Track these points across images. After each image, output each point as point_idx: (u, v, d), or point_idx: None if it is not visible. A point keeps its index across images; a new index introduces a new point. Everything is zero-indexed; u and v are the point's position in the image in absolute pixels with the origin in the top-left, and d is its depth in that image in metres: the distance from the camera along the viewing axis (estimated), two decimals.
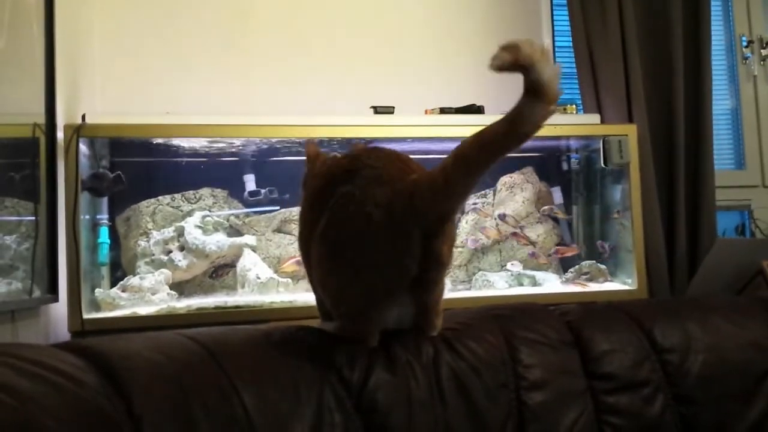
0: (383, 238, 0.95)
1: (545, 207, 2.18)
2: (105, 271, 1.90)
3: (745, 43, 2.63)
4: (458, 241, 2.14)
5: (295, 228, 2.03)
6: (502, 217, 2.13)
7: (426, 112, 2.02)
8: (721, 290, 1.97)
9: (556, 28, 2.50)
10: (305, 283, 1.98)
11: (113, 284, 1.86)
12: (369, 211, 0.94)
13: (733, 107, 2.66)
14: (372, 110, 1.95)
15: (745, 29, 2.64)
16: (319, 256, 1.01)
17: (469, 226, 2.15)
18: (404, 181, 0.96)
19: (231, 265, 1.96)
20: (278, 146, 1.96)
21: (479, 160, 0.93)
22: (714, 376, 1.25)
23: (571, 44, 2.24)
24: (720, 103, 2.61)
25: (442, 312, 1.09)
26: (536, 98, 0.88)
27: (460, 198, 0.97)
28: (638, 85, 2.17)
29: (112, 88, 2.15)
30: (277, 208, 2.04)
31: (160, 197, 1.98)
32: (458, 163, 0.93)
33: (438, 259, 0.97)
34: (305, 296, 1.87)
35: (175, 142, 1.88)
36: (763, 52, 2.62)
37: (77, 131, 1.66)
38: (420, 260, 0.95)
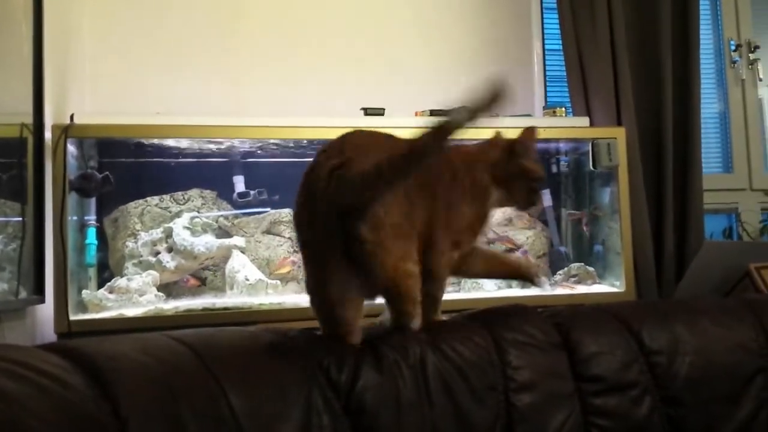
0: (314, 224, 1.01)
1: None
2: (92, 272, 1.89)
3: (733, 47, 2.65)
4: None
5: (284, 229, 2.03)
6: None
7: (416, 114, 2.03)
8: (709, 292, 1.98)
9: (546, 31, 2.51)
10: (295, 285, 1.98)
11: (100, 285, 1.85)
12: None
13: (721, 111, 2.68)
14: (362, 112, 1.95)
15: (733, 33, 2.66)
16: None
17: None
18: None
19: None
20: (268, 147, 1.95)
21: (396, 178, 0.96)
22: (702, 378, 1.25)
23: (560, 48, 2.24)
24: (708, 106, 2.63)
25: (416, 302, 1.06)
26: None
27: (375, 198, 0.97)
28: (627, 89, 2.18)
29: (102, 88, 2.14)
30: (267, 209, 2.04)
31: (148, 198, 1.97)
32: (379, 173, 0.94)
33: (358, 239, 0.97)
34: (294, 298, 1.87)
35: (164, 142, 1.87)
36: (752, 56, 2.64)
37: (65, 131, 1.65)
38: (343, 243, 0.97)
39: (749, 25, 2.67)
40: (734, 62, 2.65)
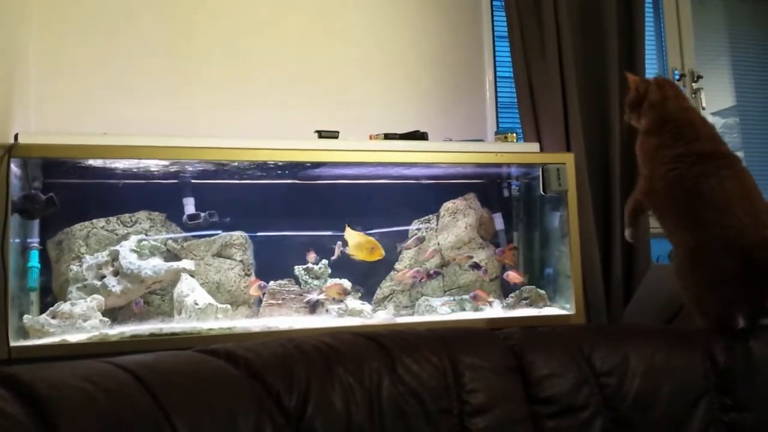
0: None
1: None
2: (34, 296, 1.82)
3: (677, 77, 2.75)
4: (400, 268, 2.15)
5: (236, 252, 1.99)
6: (420, 240, 2.15)
7: (370, 137, 2.03)
8: (657, 314, 2.02)
9: (497, 59, 2.56)
10: (246, 309, 1.95)
11: (43, 310, 1.78)
12: None
13: None
14: (316, 134, 1.95)
15: (677, 63, 2.76)
16: None
17: (413, 251, 2.16)
18: None
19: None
20: (220, 169, 1.93)
21: None
22: (650, 399, 1.27)
23: (512, 75, 2.29)
24: None
25: None
26: None
27: None
28: (576, 116, 2.23)
29: (48, 109, 2.08)
30: (218, 232, 2.00)
31: (94, 220, 1.91)
32: None
33: None
34: (244, 323, 1.84)
35: (112, 163, 1.83)
36: (695, 85, 2.74)
37: (9, 151, 1.60)
38: None
39: (692, 56, 2.77)
40: None
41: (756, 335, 1.43)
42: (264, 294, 1.97)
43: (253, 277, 1.99)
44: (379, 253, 2.02)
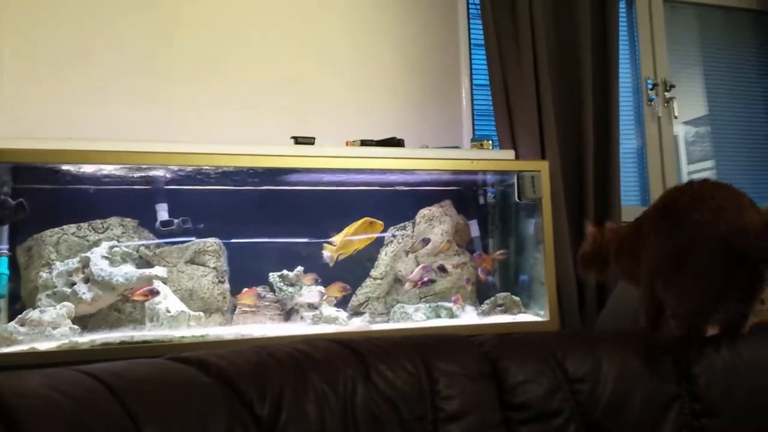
0: None
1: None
2: (2, 303, 1.78)
3: (650, 86, 2.79)
4: (378, 273, 2.14)
5: (209, 259, 1.97)
6: (426, 241, 2.15)
7: (347, 143, 2.03)
8: (630, 320, 2.04)
9: (474, 66, 2.57)
10: (219, 317, 1.93)
11: (11, 318, 1.75)
12: None
13: (639, 146, 2.80)
14: (292, 140, 1.94)
15: (650, 72, 2.80)
16: None
17: (388, 258, 2.15)
18: None
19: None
20: (194, 175, 1.91)
21: None
22: (622, 405, 1.28)
23: (488, 83, 2.30)
24: (627, 142, 2.75)
25: None
26: None
27: None
28: (551, 124, 2.25)
29: (20, 112, 2.05)
30: (192, 238, 1.98)
31: (65, 226, 1.88)
32: None
33: None
34: (217, 330, 1.82)
35: (83, 168, 1.80)
36: (667, 94, 2.78)
37: None
38: None
39: (665, 65, 2.81)
40: (651, 100, 2.77)
41: (726, 341, 1.45)
42: (263, 303, 1.96)
43: (246, 288, 1.98)
44: (380, 224, 2.02)
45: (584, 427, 1.23)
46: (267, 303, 1.98)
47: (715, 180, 1.52)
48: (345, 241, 2.01)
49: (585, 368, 1.29)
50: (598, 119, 2.37)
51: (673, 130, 2.82)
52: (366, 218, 2.01)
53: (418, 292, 2.16)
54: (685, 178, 2.93)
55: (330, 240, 2.03)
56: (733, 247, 1.34)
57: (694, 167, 2.98)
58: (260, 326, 1.92)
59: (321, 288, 2.01)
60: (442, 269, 2.16)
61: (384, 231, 2.13)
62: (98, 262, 1.81)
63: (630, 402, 1.28)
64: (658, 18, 2.84)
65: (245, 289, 1.97)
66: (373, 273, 2.14)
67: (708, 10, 3.07)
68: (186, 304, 1.86)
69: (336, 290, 2.02)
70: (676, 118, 2.79)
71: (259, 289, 2.00)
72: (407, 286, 2.13)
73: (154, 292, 1.81)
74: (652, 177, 2.75)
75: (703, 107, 3.02)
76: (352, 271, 2.08)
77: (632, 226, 1.63)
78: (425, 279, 2.11)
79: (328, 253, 2.03)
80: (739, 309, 1.45)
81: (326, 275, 2.04)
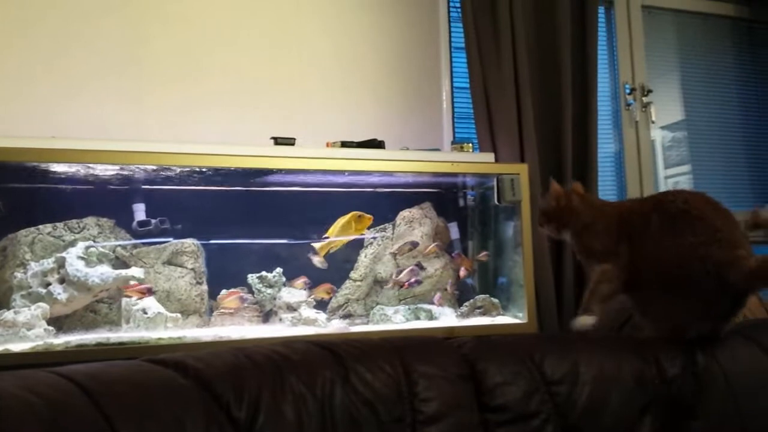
0: None
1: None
2: None
3: (628, 91, 2.82)
4: (358, 275, 2.14)
5: (187, 260, 1.96)
6: (415, 244, 2.15)
7: (327, 144, 2.02)
8: (608, 324, 2.05)
9: (454, 69, 2.58)
10: (196, 318, 1.91)
11: None
12: None
13: (616, 150, 2.83)
14: (272, 141, 1.93)
15: (628, 77, 2.83)
16: None
17: (368, 260, 2.15)
18: None
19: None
20: (172, 175, 1.89)
21: None
22: (600, 407, 1.29)
23: (468, 86, 2.31)
24: (605, 146, 2.77)
25: None
26: None
27: None
28: (530, 128, 2.27)
29: None
30: (169, 239, 1.96)
31: (40, 226, 1.85)
32: None
33: None
34: (195, 332, 1.80)
35: (59, 167, 1.78)
36: (645, 99, 2.81)
37: None
38: None
39: (643, 71, 2.85)
40: (629, 105, 2.81)
41: (704, 345, 1.47)
42: (245, 306, 1.95)
43: (229, 289, 1.96)
44: (369, 218, 2.02)
45: (562, 429, 1.23)
46: (245, 305, 1.96)
47: (708, 196, 1.52)
48: (340, 227, 2.00)
49: (563, 370, 1.30)
50: (576, 123, 2.39)
51: (651, 135, 2.85)
52: (354, 212, 2.01)
53: (397, 294, 2.16)
54: (662, 182, 2.96)
55: (314, 245, 2.03)
56: (722, 274, 1.37)
57: (671, 171, 3.02)
58: (238, 328, 1.90)
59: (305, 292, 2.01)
60: (419, 266, 2.16)
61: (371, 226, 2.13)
62: (74, 263, 1.79)
63: (607, 404, 1.29)
64: (636, 24, 2.87)
65: (227, 291, 1.95)
66: (353, 275, 2.13)
67: (686, 17, 3.11)
68: (163, 306, 1.85)
69: (322, 291, 2.02)
70: (653, 122, 2.82)
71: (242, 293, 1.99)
72: (392, 286, 2.12)
73: (150, 291, 1.80)
74: (629, 181, 2.78)
75: (680, 112, 3.06)
76: (332, 273, 2.07)
77: (616, 209, 1.59)
78: (413, 280, 2.12)
79: (317, 258, 2.02)
80: (715, 326, 1.48)
81: (311, 276, 2.03)
